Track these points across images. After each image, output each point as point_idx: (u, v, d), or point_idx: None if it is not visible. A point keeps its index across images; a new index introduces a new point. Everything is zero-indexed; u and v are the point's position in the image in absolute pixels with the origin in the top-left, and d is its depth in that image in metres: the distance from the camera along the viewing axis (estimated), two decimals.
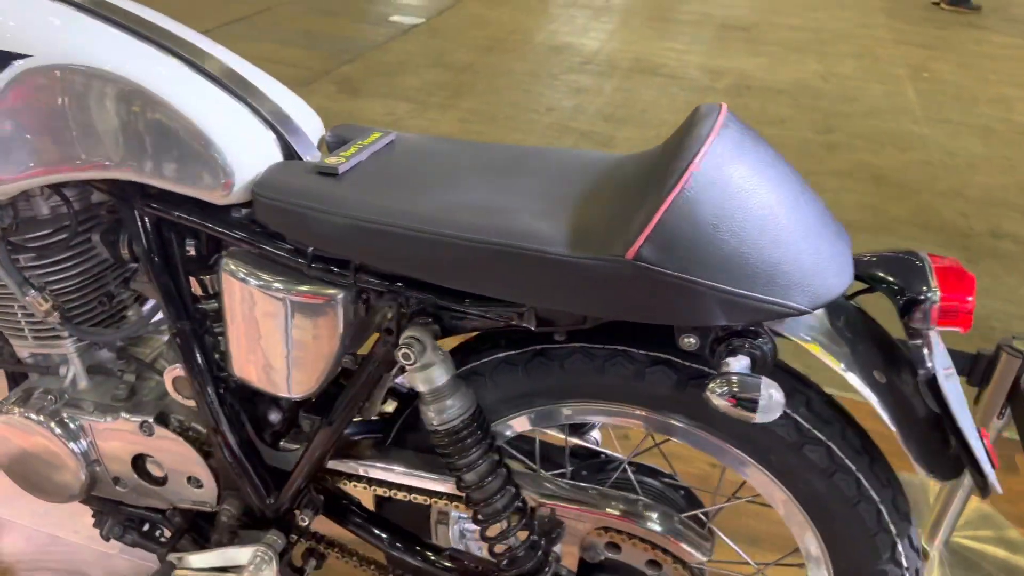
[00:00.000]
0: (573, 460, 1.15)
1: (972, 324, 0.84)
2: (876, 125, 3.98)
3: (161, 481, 1.17)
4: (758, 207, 0.79)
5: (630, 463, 1.08)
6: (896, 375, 0.88)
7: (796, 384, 0.94)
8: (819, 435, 0.92)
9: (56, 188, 1.04)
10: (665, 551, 0.99)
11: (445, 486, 1.02)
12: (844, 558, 0.98)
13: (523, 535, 1.00)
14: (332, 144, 1.03)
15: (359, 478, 1.08)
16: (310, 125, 1.03)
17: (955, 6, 6.25)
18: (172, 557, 1.13)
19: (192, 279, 1.08)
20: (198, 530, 1.21)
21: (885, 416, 0.87)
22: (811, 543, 0.99)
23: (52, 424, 1.16)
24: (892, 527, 0.95)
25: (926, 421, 0.88)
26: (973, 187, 3.37)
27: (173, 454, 1.13)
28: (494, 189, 0.89)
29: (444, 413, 0.93)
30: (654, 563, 1.01)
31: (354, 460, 1.08)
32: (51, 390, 1.18)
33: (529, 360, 0.98)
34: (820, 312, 0.88)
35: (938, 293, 0.82)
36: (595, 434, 1.18)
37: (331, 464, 1.09)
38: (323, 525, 1.16)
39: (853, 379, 0.87)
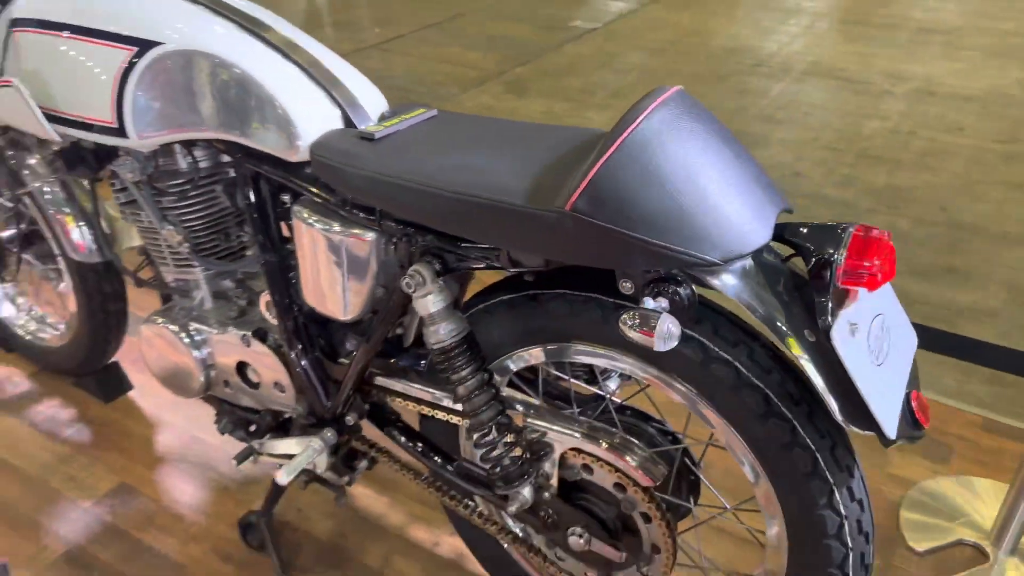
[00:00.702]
0: (583, 403, 1.31)
1: (879, 285, 0.92)
2: None
3: (256, 386, 1.47)
4: (682, 170, 0.93)
5: (613, 402, 1.23)
6: (826, 336, 0.98)
7: (742, 336, 1.05)
8: (756, 382, 1.03)
9: (188, 146, 1.36)
10: (625, 475, 1.13)
11: (452, 404, 1.23)
12: (788, 502, 1.08)
13: (513, 453, 1.19)
14: (387, 116, 1.26)
15: (399, 394, 1.32)
16: (373, 102, 1.27)
17: None
18: (255, 443, 1.43)
19: (282, 223, 1.37)
20: (283, 429, 1.50)
21: (808, 370, 0.97)
22: (762, 486, 1.10)
23: (183, 334, 1.49)
24: (829, 476, 1.04)
25: (842, 376, 0.96)
26: None
27: (264, 363, 1.43)
28: (488, 155, 1.09)
29: (438, 334, 1.14)
30: (619, 486, 1.16)
31: (397, 380, 1.32)
32: (185, 308, 1.52)
33: (524, 303, 1.16)
34: (756, 272, 1.00)
35: (843, 255, 0.92)
36: (613, 384, 1.34)
37: (379, 381, 1.33)
38: (374, 435, 1.41)
39: (783, 335, 0.97)
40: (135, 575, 1.58)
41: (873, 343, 0.97)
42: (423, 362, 1.33)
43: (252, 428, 1.58)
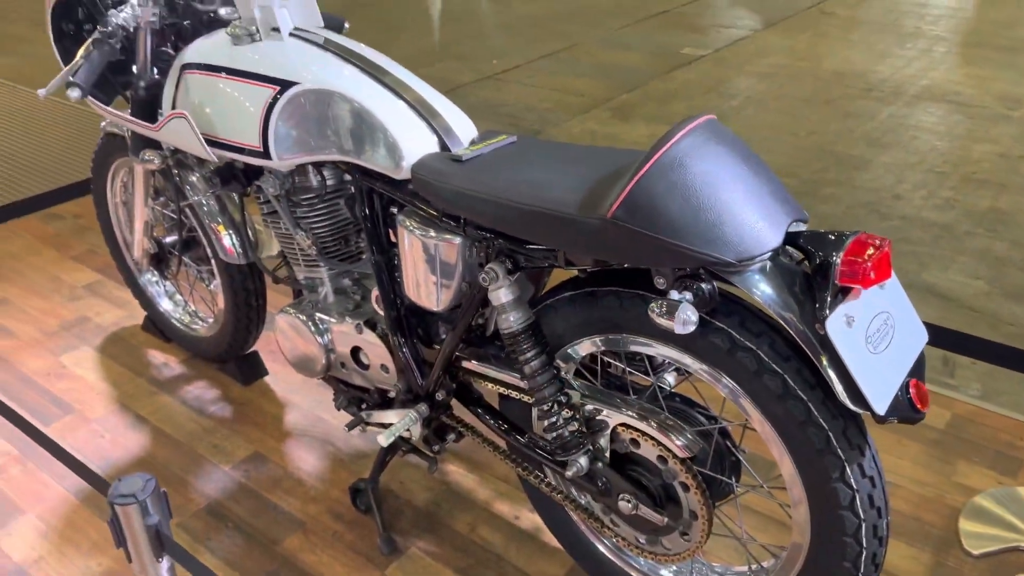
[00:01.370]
0: (642, 392, 1.51)
1: (872, 283, 1.07)
2: None
3: (366, 367, 1.74)
4: (704, 185, 1.13)
5: (662, 389, 1.41)
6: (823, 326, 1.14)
7: (765, 328, 1.22)
8: (776, 368, 1.20)
9: (317, 166, 1.65)
10: (665, 447, 1.32)
11: (515, 380, 1.45)
12: (807, 476, 1.24)
13: (572, 426, 1.40)
14: (475, 142, 1.51)
15: (480, 375, 1.55)
16: (465, 129, 1.52)
17: None
18: (363, 413, 1.70)
19: (389, 230, 1.64)
20: (387, 405, 1.76)
21: (818, 360, 1.13)
22: (785, 463, 1.26)
23: (310, 323, 1.78)
24: (840, 452, 1.19)
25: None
26: None
27: (373, 348, 1.69)
28: (550, 173, 1.31)
29: (507, 322, 1.36)
30: (662, 458, 1.35)
31: (479, 363, 1.55)
32: (312, 301, 1.81)
33: (582, 298, 1.37)
34: (774, 273, 1.17)
35: (840, 256, 1.09)
36: (670, 378, 1.52)
37: (464, 364, 1.57)
38: (461, 413, 1.64)
39: (795, 327, 1.14)
40: (262, 528, 1.88)
41: (873, 335, 1.13)
42: (501, 349, 1.56)
43: (363, 405, 1.85)
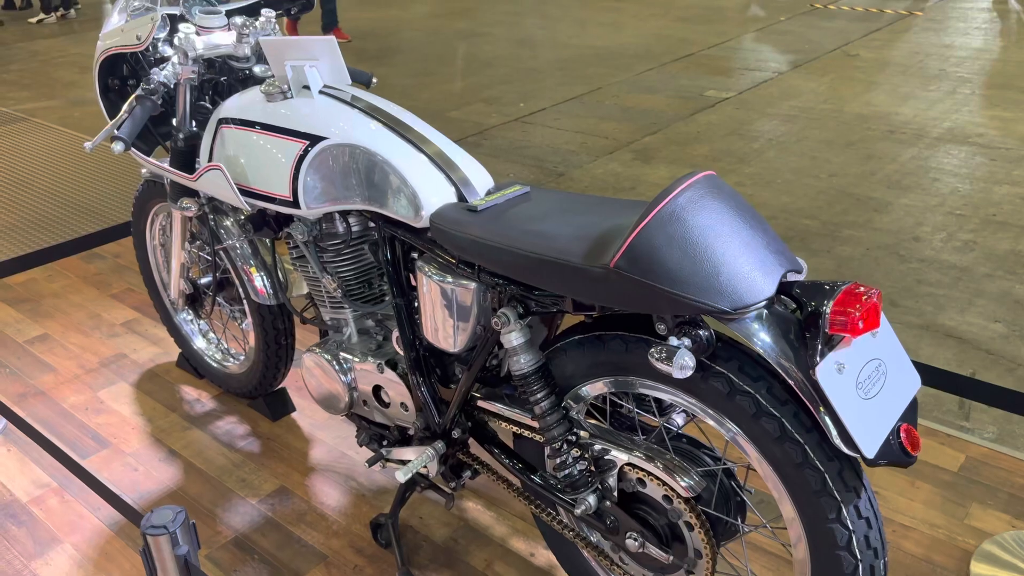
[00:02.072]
0: (650, 433, 1.56)
1: (861, 332, 1.12)
2: None
3: (387, 405, 1.82)
4: (701, 238, 1.20)
5: (668, 429, 1.47)
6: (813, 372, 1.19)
7: (763, 373, 1.28)
8: (772, 411, 1.25)
9: (344, 214, 1.74)
10: (670, 487, 1.37)
11: (527, 420, 1.52)
12: (805, 516, 1.28)
13: (581, 465, 1.45)
14: (491, 192, 1.59)
15: (493, 414, 1.62)
16: (481, 181, 1.61)
17: None
18: (383, 450, 1.77)
19: (410, 274, 1.72)
20: (407, 442, 1.83)
21: (811, 404, 1.19)
22: (785, 503, 1.30)
23: (335, 362, 1.86)
24: (836, 494, 1.24)
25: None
26: None
27: (394, 387, 1.77)
28: (559, 223, 1.39)
29: (519, 364, 1.43)
30: (667, 498, 1.40)
31: (493, 402, 1.62)
32: (337, 341, 1.90)
33: (591, 342, 1.44)
34: (770, 321, 1.23)
35: (830, 306, 1.14)
36: (679, 419, 1.58)
37: (480, 403, 1.64)
38: (477, 450, 1.71)
39: (790, 373, 1.20)
40: (286, 560, 1.95)
41: (864, 381, 1.18)
42: (516, 391, 1.63)
43: (383, 442, 1.92)
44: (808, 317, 1.17)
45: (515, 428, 1.59)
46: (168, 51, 1.98)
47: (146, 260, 2.56)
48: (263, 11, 1.93)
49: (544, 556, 1.92)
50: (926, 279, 3.11)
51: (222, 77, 1.97)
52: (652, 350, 1.20)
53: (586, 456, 1.46)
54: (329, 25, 6.57)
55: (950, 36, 6.73)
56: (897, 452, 1.18)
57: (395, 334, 1.74)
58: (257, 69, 1.92)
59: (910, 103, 5.12)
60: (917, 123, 4.77)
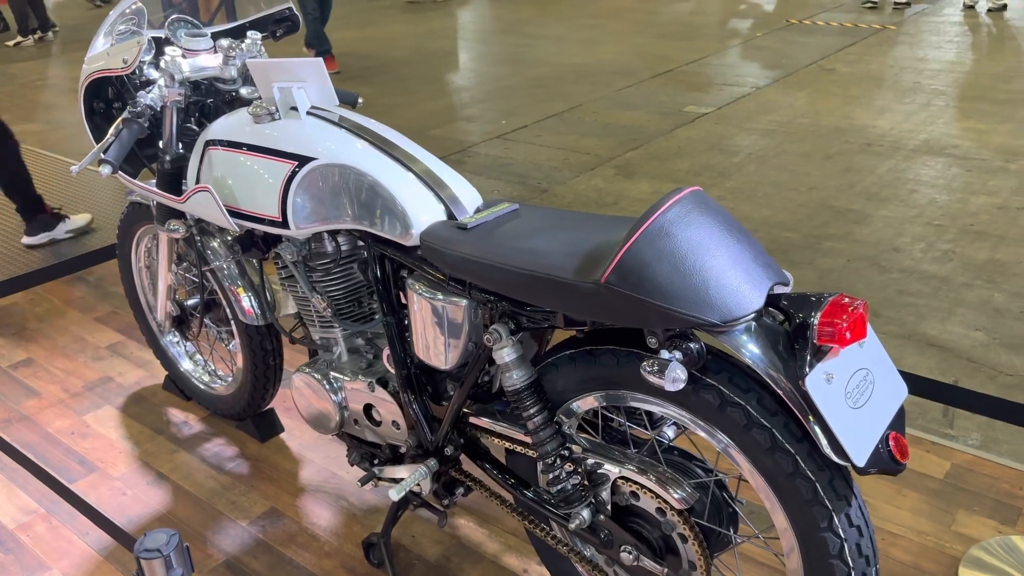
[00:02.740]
0: (641, 446, 1.57)
1: (848, 342, 1.15)
2: None
3: (378, 424, 1.82)
4: (689, 252, 1.21)
5: (660, 443, 1.48)
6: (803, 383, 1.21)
7: (753, 384, 1.30)
8: (763, 422, 1.27)
9: (332, 234, 1.75)
10: (663, 500, 1.38)
11: (520, 436, 1.52)
12: (797, 526, 1.29)
13: (574, 480, 1.46)
14: (480, 209, 1.61)
15: (486, 430, 1.63)
16: (470, 198, 1.62)
17: None
18: (375, 468, 1.77)
19: (400, 292, 1.73)
20: (398, 460, 1.83)
21: (801, 414, 1.20)
22: (777, 513, 1.32)
23: (325, 382, 1.86)
24: (827, 503, 1.26)
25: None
26: None
27: (385, 405, 1.77)
28: (548, 240, 1.40)
29: (511, 379, 1.44)
30: (660, 510, 1.41)
31: (485, 418, 1.63)
32: (327, 361, 1.90)
33: (582, 356, 1.45)
34: (758, 333, 1.24)
35: (818, 317, 1.16)
36: (670, 432, 1.59)
37: (472, 420, 1.65)
38: (470, 467, 1.71)
39: (780, 384, 1.21)
40: None
41: (852, 390, 1.20)
42: (509, 407, 1.64)
43: (375, 460, 1.92)
44: (796, 329, 1.19)
45: (507, 444, 1.59)
46: (154, 74, 1.98)
47: (131, 283, 2.55)
48: (249, 33, 1.95)
49: (537, 572, 1.93)
50: (907, 289, 3.15)
51: (208, 99, 1.97)
52: (644, 364, 1.22)
53: (579, 470, 1.47)
54: (321, 53, 6.56)
55: (924, 50, 6.84)
56: (887, 460, 1.20)
57: (386, 352, 1.74)
58: (243, 91, 1.93)
59: (886, 116, 5.20)
60: (894, 135, 4.84)
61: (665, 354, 1.22)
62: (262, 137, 1.71)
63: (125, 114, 1.81)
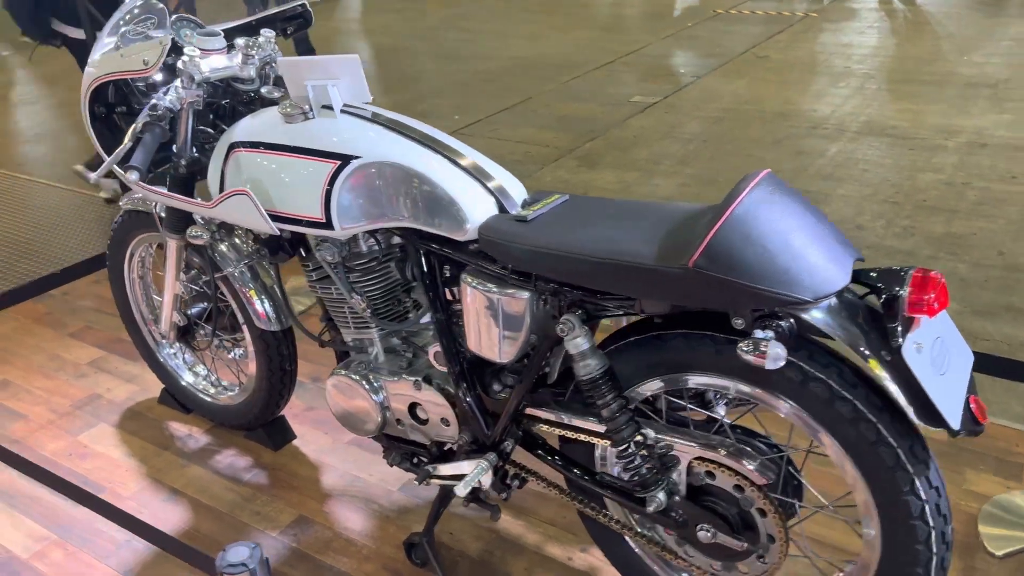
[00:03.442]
0: (697, 426, 1.61)
1: (935, 312, 1.21)
2: None
3: (424, 422, 1.81)
4: (776, 232, 1.25)
5: (725, 421, 1.52)
6: (893, 353, 1.27)
7: (832, 360, 1.34)
8: (846, 394, 1.32)
9: (371, 232, 1.72)
10: (743, 476, 1.42)
11: (589, 425, 1.54)
12: (878, 492, 1.35)
13: (649, 464, 1.49)
14: (528, 203, 1.61)
15: (547, 421, 1.63)
16: (516, 191, 1.62)
17: None
18: (429, 467, 1.76)
19: (446, 289, 1.72)
20: (446, 458, 1.82)
21: (887, 383, 1.26)
22: (856, 482, 1.37)
23: (364, 382, 1.83)
24: (909, 467, 1.31)
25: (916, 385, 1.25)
26: None
27: (434, 403, 1.76)
28: (617, 228, 1.42)
29: (587, 368, 1.46)
30: (738, 487, 1.45)
31: (546, 409, 1.63)
32: (363, 362, 1.87)
33: (649, 342, 1.47)
34: (840, 308, 1.29)
35: (907, 291, 1.22)
36: (721, 410, 1.63)
37: (528, 411, 1.65)
38: (523, 458, 1.72)
39: (865, 356, 1.26)
40: None
41: (936, 358, 1.26)
42: (563, 395, 1.65)
43: (415, 460, 1.90)
44: (887, 301, 1.24)
45: (570, 433, 1.60)
46: (158, 77, 1.91)
47: (123, 295, 2.45)
48: (263, 32, 1.89)
49: (582, 559, 1.95)
50: (876, 264, 3.29)
51: (224, 100, 1.91)
52: (741, 344, 1.25)
53: (652, 454, 1.49)
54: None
55: (847, 35, 7.12)
56: (971, 422, 1.26)
57: (432, 350, 1.73)
58: (263, 90, 1.88)
59: (825, 100, 5.40)
60: (836, 118, 5.03)
61: (759, 333, 1.26)
62: (298, 137, 1.67)
63: (143, 118, 1.74)
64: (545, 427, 1.65)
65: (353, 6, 9.67)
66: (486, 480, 1.68)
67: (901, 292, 1.23)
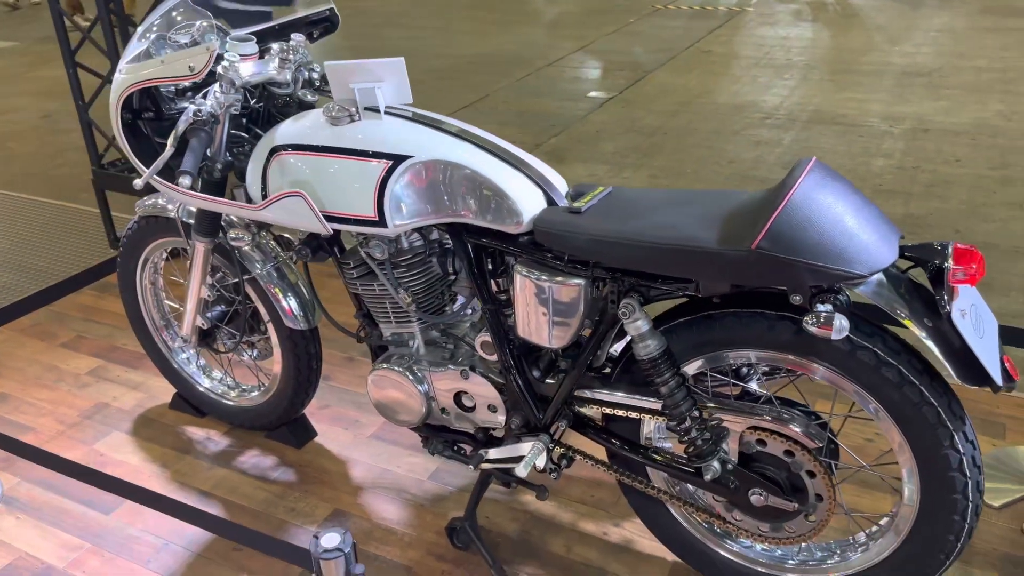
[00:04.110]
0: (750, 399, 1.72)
1: (976, 281, 1.35)
2: None
3: (471, 409, 1.87)
4: (832, 214, 1.36)
5: (770, 395, 1.64)
6: (938, 319, 1.40)
7: (876, 330, 1.47)
8: (891, 360, 1.44)
9: (417, 229, 1.78)
10: (794, 441, 1.54)
11: (645, 403, 1.64)
12: (920, 448, 1.48)
13: (705, 435, 1.59)
14: (573, 196, 1.69)
15: (599, 401, 1.72)
16: (560, 184, 1.71)
17: None
18: (481, 451, 1.83)
19: (492, 280, 1.79)
20: (493, 443, 1.89)
21: (931, 345, 1.39)
22: (898, 440, 1.50)
23: (408, 374, 1.89)
24: (949, 423, 1.45)
25: (959, 347, 1.38)
26: None
27: (481, 391, 1.83)
28: (671, 216, 1.52)
29: (646, 349, 1.55)
30: (788, 452, 1.57)
31: (597, 390, 1.72)
32: (404, 355, 1.93)
33: (701, 322, 1.58)
34: (886, 282, 1.42)
35: (951, 264, 1.35)
36: (755, 384, 1.74)
37: (578, 393, 1.74)
38: (571, 438, 1.80)
39: (910, 324, 1.39)
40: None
41: (975, 322, 1.40)
42: (609, 376, 1.74)
43: (455, 447, 1.97)
44: (935, 273, 1.37)
45: (621, 412, 1.69)
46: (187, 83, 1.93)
47: (134, 303, 2.44)
48: (293, 36, 1.93)
49: (617, 532, 2.04)
50: None
51: (259, 104, 1.94)
52: (807, 318, 1.36)
53: (706, 426, 1.60)
54: None
55: (783, 28, 7.40)
56: (1007, 379, 1.40)
57: (480, 339, 1.80)
58: (300, 94, 1.91)
59: (772, 91, 5.62)
60: (786, 109, 5.25)
61: (821, 307, 1.37)
62: (345, 139, 1.71)
63: (184, 123, 1.76)
64: (596, 407, 1.74)
65: None
66: (541, 461, 1.76)
67: (946, 265, 1.36)
